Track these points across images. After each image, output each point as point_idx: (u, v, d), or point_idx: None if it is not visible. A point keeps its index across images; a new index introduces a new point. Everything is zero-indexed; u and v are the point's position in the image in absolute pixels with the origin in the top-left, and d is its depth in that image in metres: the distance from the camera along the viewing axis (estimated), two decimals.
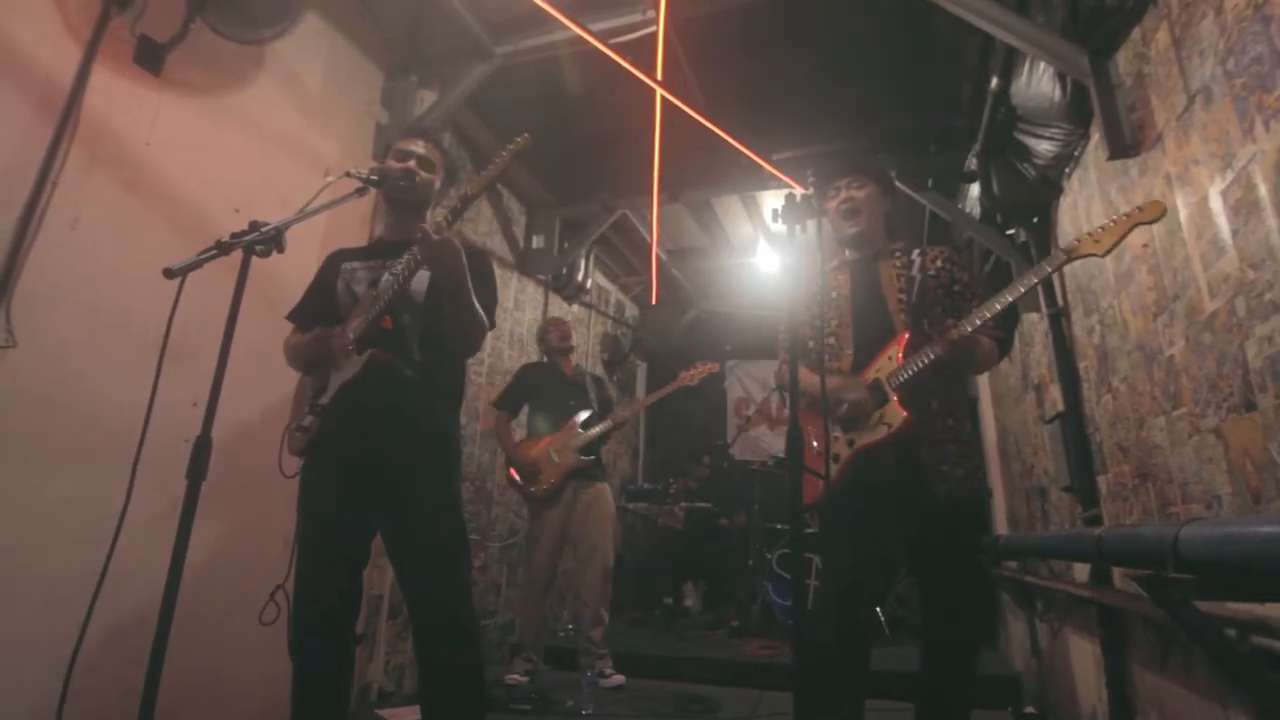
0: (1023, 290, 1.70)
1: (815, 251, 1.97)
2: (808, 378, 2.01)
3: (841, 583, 1.81)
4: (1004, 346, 1.91)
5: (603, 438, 3.52)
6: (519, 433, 3.66)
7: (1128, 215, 1.60)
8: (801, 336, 2.05)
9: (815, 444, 1.92)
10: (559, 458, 3.40)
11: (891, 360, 1.82)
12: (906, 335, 1.83)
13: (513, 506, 4.25)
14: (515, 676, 3.20)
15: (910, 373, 1.78)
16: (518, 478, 3.45)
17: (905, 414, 1.76)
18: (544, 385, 3.64)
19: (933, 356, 1.74)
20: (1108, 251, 1.63)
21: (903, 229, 4.35)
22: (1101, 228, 1.64)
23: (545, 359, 3.82)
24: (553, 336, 3.75)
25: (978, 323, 1.73)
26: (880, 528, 1.83)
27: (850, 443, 1.83)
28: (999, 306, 1.72)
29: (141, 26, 2.23)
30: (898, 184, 3.68)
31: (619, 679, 3.23)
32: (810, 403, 1.97)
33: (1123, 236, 1.61)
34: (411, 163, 1.86)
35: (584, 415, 3.50)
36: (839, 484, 1.83)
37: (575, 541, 3.42)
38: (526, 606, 3.40)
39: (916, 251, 1.95)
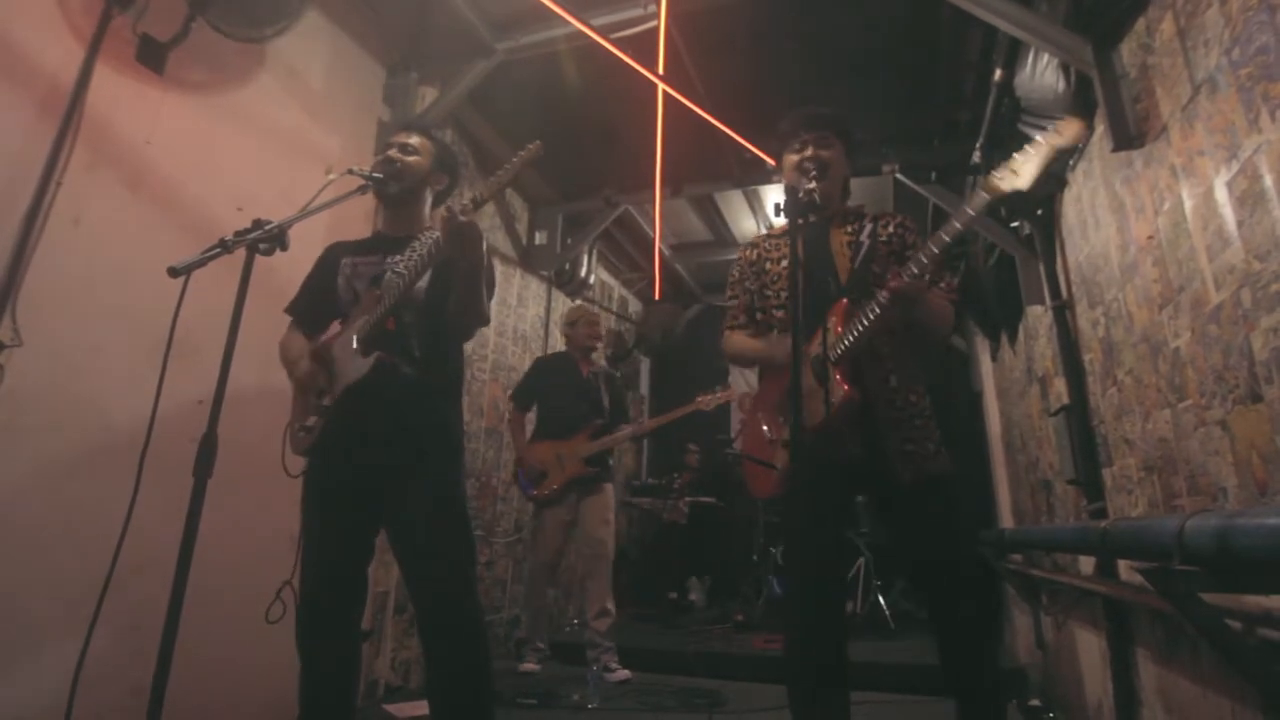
0: (948, 239, 1.58)
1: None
2: (746, 341, 1.94)
3: (805, 570, 1.71)
4: (957, 310, 1.79)
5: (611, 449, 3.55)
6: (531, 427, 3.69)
7: (1042, 139, 1.51)
8: (748, 305, 1.97)
9: (766, 430, 1.83)
10: (565, 465, 3.42)
11: (830, 331, 1.70)
12: (844, 303, 1.72)
13: (517, 503, 4.26)
14: (529, 665, 3.31)
15: (850, 340, 1.65)
16: (522, 479, 3.51)
17: (845, 390, 1.64)
18: (557, 385, 3.62)
19: (874, 314, 1.62)
20: (1031, 183, 1.51)
21: None
22: (1017, 156, 1.52)
23: (566, 350, 3.79)
24: (580, 334, 3.71)
25: (915, 270, 1.60)
26: (840, 509, 1.76)
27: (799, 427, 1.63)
28: (935, 249, 1.59)
29: (143, 25, 2.23)
30: (900, 177, 3.70)
31: (624, 674, 3.25)
32: (764, 384, 1.91)
33: (1043, 164, 1.50)
34: (392, 150, 1.86)
35: (597, 424, 3.53)
36: (794, 471, 1.63)
37: (580, 541, 3.46)
38: (529, 600, 3.49)
39: (869, 218, 1.85)
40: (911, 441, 1.69)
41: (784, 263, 1.87)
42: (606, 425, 3.57)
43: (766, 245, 1.98)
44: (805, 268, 1.77)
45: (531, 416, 3.69)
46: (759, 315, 1.96)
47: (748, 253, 2.02)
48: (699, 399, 3.60)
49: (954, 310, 1.80)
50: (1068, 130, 1.48)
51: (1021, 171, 1.50)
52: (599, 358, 3.87)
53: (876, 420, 1.70)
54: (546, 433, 3.54)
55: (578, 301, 5.03)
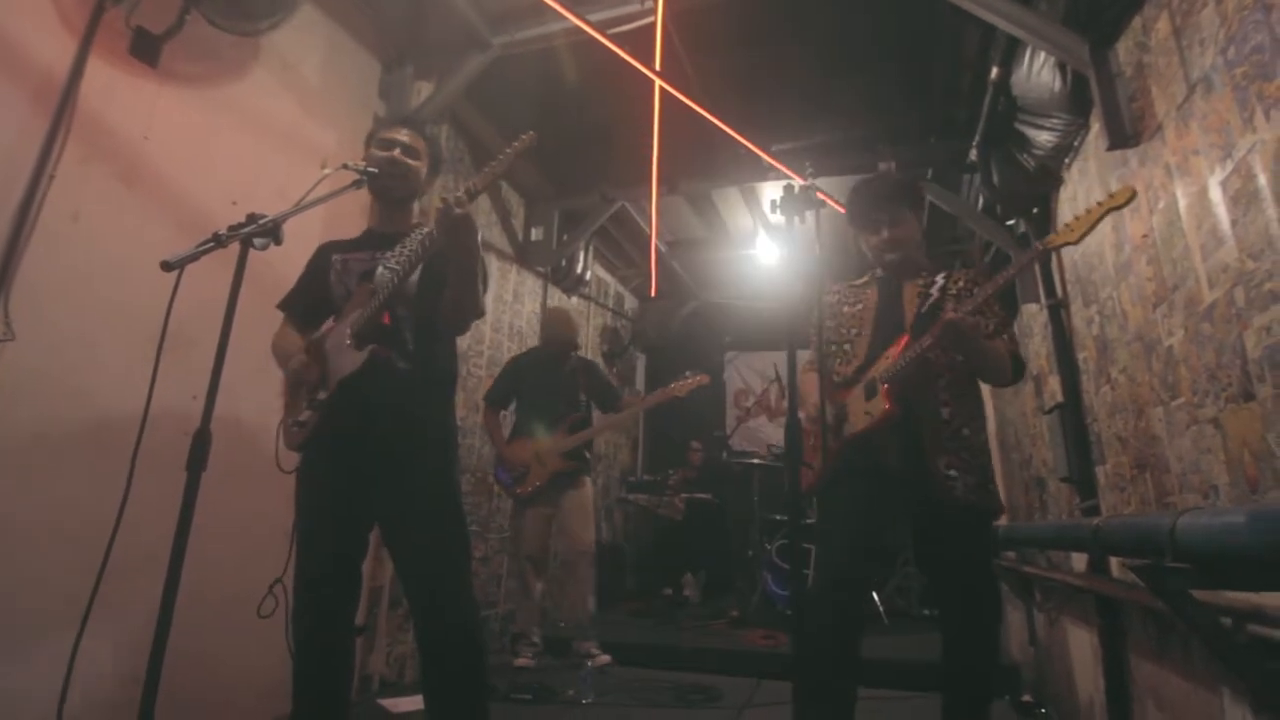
0: (1001, 284, 1.74)
1: (814, 244, 1.95)
2: (809, 390, 2.04)
3: (834, 569, 1.82)
4: (1018, 364, 1.88)
5: (589, 441, 3.57)
6: (508, 426, 3.69)
7: (1100, 204, 1.62)
8: (818, 344, 2.09)
9: (812, 439, 1.94)
10: (545, 462, 3.43)
11: (888, 359, 1.84)
12: (905, 338, 1.84)
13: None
14: (524, 660, 3.33)
15: (901, 365, 1.78)
16: (504, 478, 3.54)
17: (887, 407, 1.77)
18: (534, 382, 3.61)
19: (925, 344, 1.74)
20: (1080, 238, 1.64)
21: None
22: (1076, 218, 1.65)
23: (540, 346, 3.77)
24: (556, 349, 3.67)
25: (969, 309, 1.73)
26: (874, 515, 1.83)
27: (839, 434, 1.86)
28: (990, 289, 1.75)
29: (137, 18, 2.21)
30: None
31: (606, 659, 3.31)
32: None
33: (1094, 224, 1.63)
34: (396, 151, 1.85)
35: (574, 418, 3.54)
36: (830, 473, 1.86)
37: (563, 537, 3.49)
38: (519, 596, 3.51)
39: (943, 275, 1.96)
40: (955, 469, 1.78)
41: (859, 305, 2.02)
42: (587, 417, 3.59)
43: (844, 292, 2.10)
44: (879, 314, 1.99)
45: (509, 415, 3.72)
46: (832, 348, 2.08)
47: (828, 297, 2.13)
48: (673, 385, 3.58)
49: (1013, 360, 1.86)
50: (1120, 194, 1.59)
51: (1077, 229, 1.65)
52: (583, 352, 3.84)
53: (924, 443, 1.79)
54: (525, 430, 3.54)
55: (557, 303, 5.00)
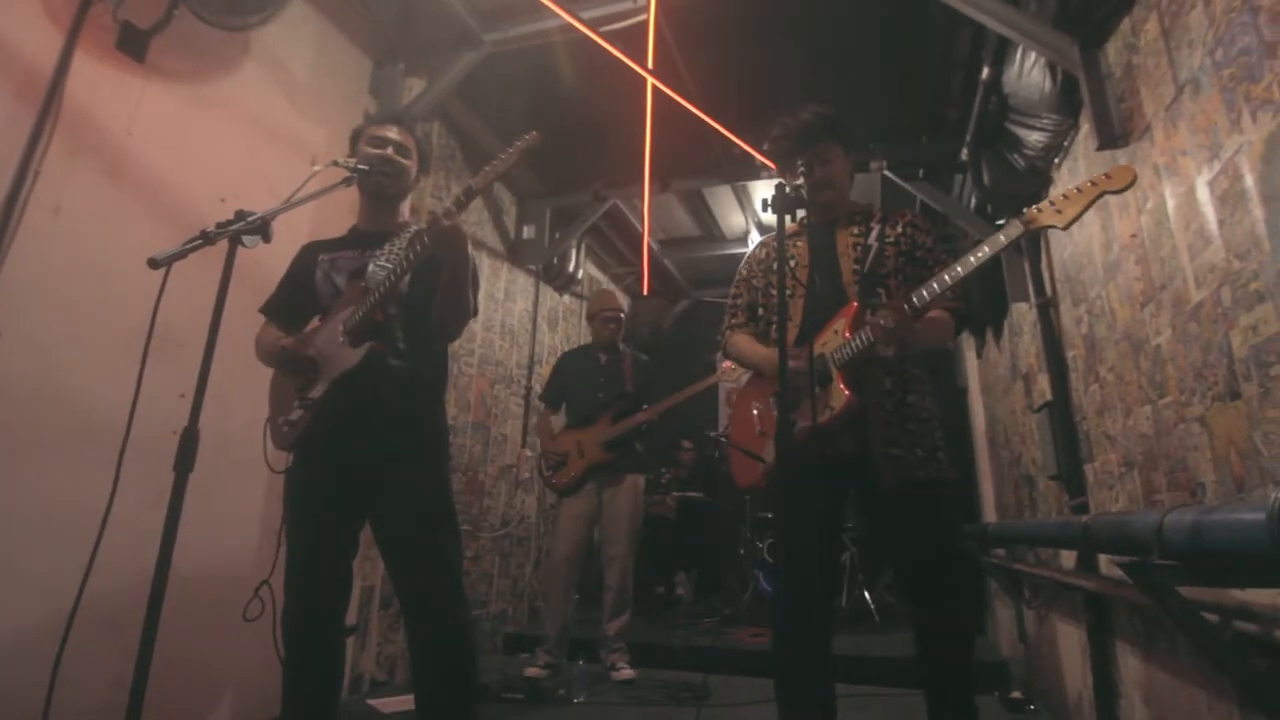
0: (974, 263, 1.58)
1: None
2: (751, 346, 1.95)
3: (793, 566, 1.69)
4: (961, 319, 1.78)
5: (636, 431, 3.42)
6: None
7: (1093, 183, 1.48)
8: (751, 303, 2.00)
9: (759, 427, 1.87)
10: (584, 452, 3.38)
11: (838, 334, 1.72)
12: (854, 306, 1.73)
13: (504, 498, 4.25)
14: (535, 669, 3.14)
15: (854, 350, 1.67)
16: (545, 469, 3.48)
17: (847, 395, 1.66)
18: (578, 376, 3.61)
19: (868, 339, 1.63)
20: (1069, 223, 1.50)
21: None
22: (1065, 195, 1.50)
23: (591, 342, 3.76)
24: (596, 324, 3.64)
25: (926, 296, 1.59)
26: (834, 509, 1.77)
27: (792, 424, 1.60)
28: (949, 279, 1.60)
29: (124, 12, 2.19)
30: (888, 174, 3.71)
31: (628, 674, 3.19)
32: (756, 377, 1.95)
33: (1086, 207, 1.49)
34: (389, 150, 1.84)
35: (618, 408, 3.44)
36: (785, 467, 1.65)
37: (603, 540, 3.42)
38: (549, 598, 3.41)
39: (877, 219, 1.85)
40: (899, 445, 1.69)
41: (792, 262, 1.86)
42: (630, 409, 3.44)
43: (771, 245, 1.98)
44: (811, 269, 1.84)
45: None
46: (760, 311, 1.99)
47: (758, 251, 2.05)
48: (713, 375, 3.59)
49: (956, 319, 1.77)
50: (1119, 176, 1.45)
51: (1065, 211, 1.49)
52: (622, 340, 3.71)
53: (867, 420, 1.70)
54: (571, 422, 3.54)
55: (549, 302, 5.01)
